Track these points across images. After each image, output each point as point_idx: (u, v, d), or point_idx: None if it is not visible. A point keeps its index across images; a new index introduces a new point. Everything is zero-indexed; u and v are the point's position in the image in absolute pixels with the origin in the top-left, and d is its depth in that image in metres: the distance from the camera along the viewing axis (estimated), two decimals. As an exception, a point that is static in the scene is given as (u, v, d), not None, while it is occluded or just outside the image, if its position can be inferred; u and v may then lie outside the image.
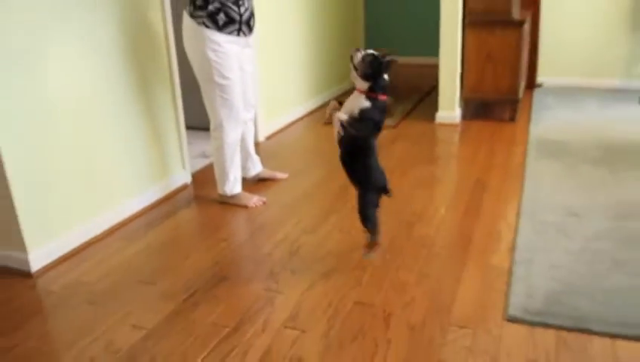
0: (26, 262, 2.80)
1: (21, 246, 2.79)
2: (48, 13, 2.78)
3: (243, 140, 3.60)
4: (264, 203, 3.49)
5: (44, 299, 2.64)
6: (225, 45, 3.11)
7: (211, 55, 3.10)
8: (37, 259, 2.83)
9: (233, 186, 3.47)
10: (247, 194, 3.52)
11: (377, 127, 2.56)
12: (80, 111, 3.02)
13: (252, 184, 3.76)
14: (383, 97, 2.51)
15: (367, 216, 2.66)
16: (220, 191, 3.49)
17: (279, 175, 3.88)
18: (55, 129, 2.89)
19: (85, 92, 3.04)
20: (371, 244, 2.72)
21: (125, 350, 2.23)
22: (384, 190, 2.66)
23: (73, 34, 2.93)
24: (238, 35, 3.15)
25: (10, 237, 2.80)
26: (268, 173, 3.85)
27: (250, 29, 3.23)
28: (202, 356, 2.17)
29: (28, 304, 2.60)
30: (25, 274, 2.81)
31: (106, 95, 3.17)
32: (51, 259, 2.91)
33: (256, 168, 3.80)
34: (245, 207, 3.45)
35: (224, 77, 3.15)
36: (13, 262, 2.84)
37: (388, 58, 2.47)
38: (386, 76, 2.50)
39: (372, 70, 2.46)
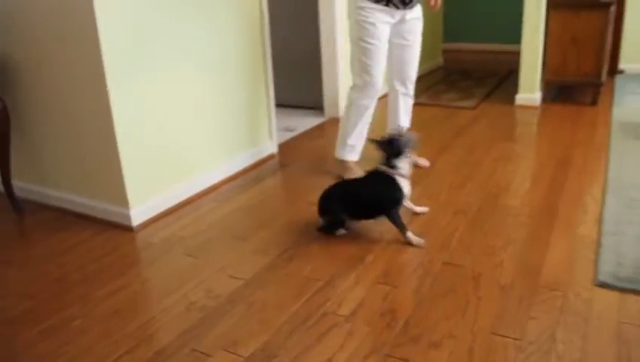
0: (128, 217, 2.98)
1: (124, 202, 2.97)
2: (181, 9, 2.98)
3: (394, 114, 3.54)
4: None
5: (145, 250, 2.79)
6: (371, 12, 3.13)
7: (357, 18, 3.17)
8: (138, 214, 3.01)
9: (346, 152, 3.45)
10: (355, 168, 3.43)
11: None
12: (182, 83, 3.19)
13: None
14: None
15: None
16: (335, 155, 3.47)
17: (422, 161, 3.67)
18: (162, 99, 3.07)
19: (188, 69, 3.23)
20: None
21: (225, 296, 2.35)
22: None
23: (186, 22, 3.12)
24: (387, 5, 3.14)
25: (115, 195, 2.99)
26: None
27: (404, 2, 3.18)
28: (298, 304, 2.27)
29: (130, 254, 2.77)
30: (127, 228, 2.98)
31: (206, 73, 3.35)
32: (150, 216, 3.08)
33: None
34: None
35: (365, 41, 3.17)
36: (117, 216, 3.02)
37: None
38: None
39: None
